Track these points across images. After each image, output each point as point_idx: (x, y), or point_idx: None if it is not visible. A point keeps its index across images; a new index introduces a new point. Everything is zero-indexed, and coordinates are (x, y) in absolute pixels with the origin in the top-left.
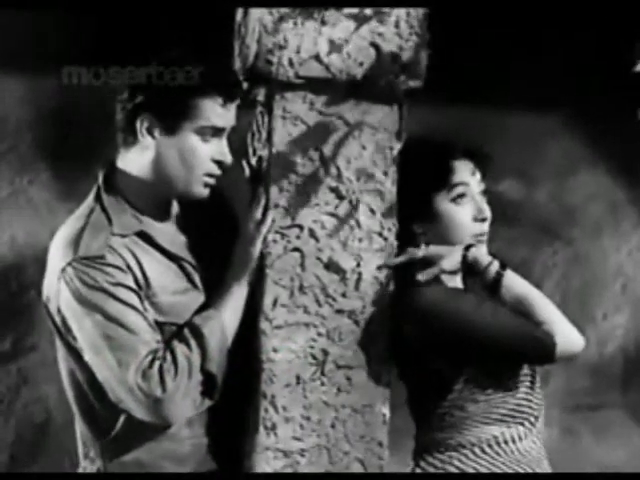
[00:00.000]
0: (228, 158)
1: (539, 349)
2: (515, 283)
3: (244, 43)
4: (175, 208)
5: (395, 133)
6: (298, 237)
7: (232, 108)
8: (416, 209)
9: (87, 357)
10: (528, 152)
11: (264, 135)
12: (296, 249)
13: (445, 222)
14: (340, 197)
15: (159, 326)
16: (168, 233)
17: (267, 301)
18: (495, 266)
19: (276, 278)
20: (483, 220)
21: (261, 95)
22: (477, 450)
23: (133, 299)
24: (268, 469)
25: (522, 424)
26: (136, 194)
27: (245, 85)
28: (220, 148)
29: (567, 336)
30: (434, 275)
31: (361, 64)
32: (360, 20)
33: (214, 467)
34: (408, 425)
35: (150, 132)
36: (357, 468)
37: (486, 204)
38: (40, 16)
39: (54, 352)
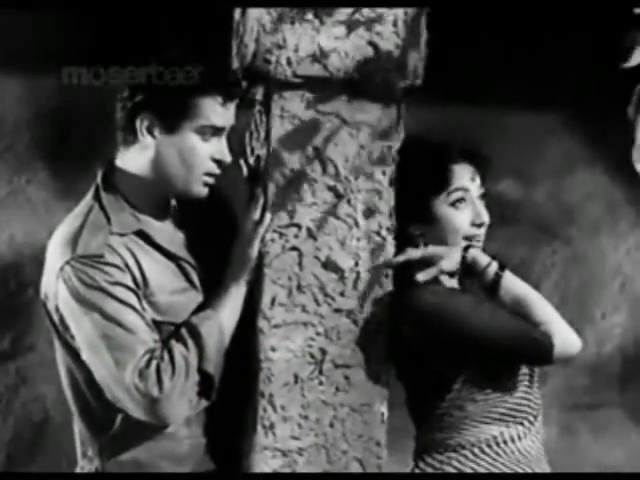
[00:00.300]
0: (228, 157)
1: (537, 350)
2: (513, 284)
3: (242, 42)
4: (173, 207)
5: (393, 132)
6: (296, 236)
7: (232, 107)
8: (414, 211)
9: (85, 356)
10: (526, 152)
11: (262, 134)
12: (294, 248)
13: (443, 225)
14: (338, 196)
15: (157, 325)
16: (167, 232)
17: (265, 300)
18: (494, 267)
19: (274, 277)
20: (481, 225)
21: (259, 94)
22: (477, 450)
23: (131, 298)
24: (266, 468)
25: (521, 423)
26: (135, 193)
27: (243, 84)
28: (220, 147)
29: (565, 337)
30: (433, 275)
31: (359, 63)
32: (355, 24)
33: (212, 467)
34: (407, 425)
35: (150, 131)
36: (355, 467)
37: (484, 208)
38: (40, 16)
39: (52, 351)
